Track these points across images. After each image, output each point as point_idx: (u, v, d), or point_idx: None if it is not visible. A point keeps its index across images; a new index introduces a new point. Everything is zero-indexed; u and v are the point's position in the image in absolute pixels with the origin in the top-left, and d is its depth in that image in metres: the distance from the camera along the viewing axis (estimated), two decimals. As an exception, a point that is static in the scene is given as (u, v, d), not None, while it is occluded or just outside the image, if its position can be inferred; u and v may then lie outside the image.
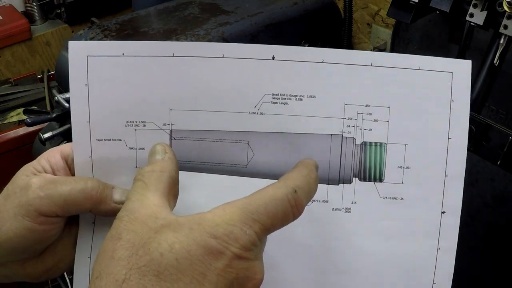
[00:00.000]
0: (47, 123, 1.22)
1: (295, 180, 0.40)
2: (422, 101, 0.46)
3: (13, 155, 1.46)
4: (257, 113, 0.46)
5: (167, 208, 0.40)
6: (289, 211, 0.39)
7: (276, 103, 0.46)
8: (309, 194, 0.41)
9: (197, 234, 0.36)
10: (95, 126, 0.47)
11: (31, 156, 1.25)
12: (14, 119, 1.53)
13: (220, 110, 0.47)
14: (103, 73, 0.46)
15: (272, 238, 0.40)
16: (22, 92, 1.60)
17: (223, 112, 0.47)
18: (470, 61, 0.46)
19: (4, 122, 1.52)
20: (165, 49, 0.46)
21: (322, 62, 0.46)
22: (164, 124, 0.47)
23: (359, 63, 0.46)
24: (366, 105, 0.46)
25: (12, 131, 1.47)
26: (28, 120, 1.15)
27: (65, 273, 1.17)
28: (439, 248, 0.47)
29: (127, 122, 0.47)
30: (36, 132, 1.26)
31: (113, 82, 0.46)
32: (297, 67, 0.46)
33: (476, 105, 0.82)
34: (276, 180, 0.41)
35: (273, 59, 0.46)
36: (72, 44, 0.46)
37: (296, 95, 0.46)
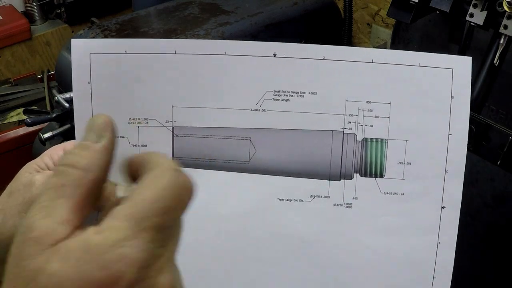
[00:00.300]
0: (47, 123, 1.23)
1: (165, 162, 0.35)
2: (423, 98, 0.46)
3: (13, 155, 1.46)
4: (259, 110, 0.47)
5: (70, 225, 0.34)
6: (183, 194, 0.34)
7: (277, 100, 0.47)
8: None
9: (85, 268, 0.31)
10: None
11: (31, 156, 1.24)
12: (14, 119, 1.53)
13: (222, 107, 0.47)
14: (106, 71, 0.46)
15: (273, 235, 0.40)
16: (22, 92, 1.61)
17: (225, 109, 0.47)
18: (470, 58, 0.46)
19: (4, 122, 1.52)
20: (168, 47, 0.46)
21: (323, 59, 0.46)
22: (167, 121, 0.47)
23: (360, 60, 0.46)
24: (367, 102, 0.47)
25: (12, 131, 1.48)
26: (28, 120, 1.15)
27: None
28: (439, 243, 0.47)
29: (130, 119, 0.47)
30: (36, 132, 1.27)
31: (116, 80, 0.46)
32: (298, 64, 0.46)
33: (476, 105, 0.82)
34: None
35: (274, 56, 0.46)
36: (75, 42, 0.46)
37: (298, 92, 0.47)
